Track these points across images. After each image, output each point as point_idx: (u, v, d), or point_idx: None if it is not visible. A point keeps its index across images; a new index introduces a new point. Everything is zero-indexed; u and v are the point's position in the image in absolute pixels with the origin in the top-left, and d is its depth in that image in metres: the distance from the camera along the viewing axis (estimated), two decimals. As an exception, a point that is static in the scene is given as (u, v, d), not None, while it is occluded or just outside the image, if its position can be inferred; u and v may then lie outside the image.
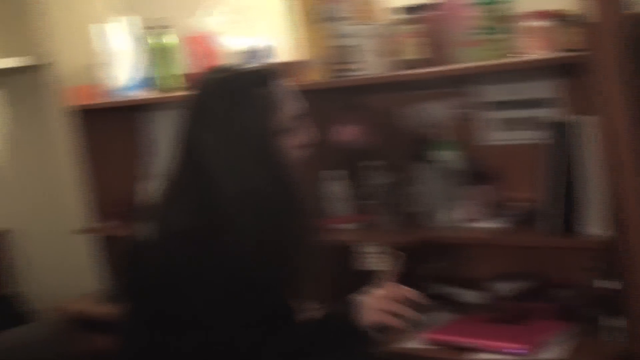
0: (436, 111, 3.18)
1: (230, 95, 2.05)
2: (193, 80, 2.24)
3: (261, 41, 3.41)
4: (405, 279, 3.21)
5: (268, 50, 3.39)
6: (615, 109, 2.41)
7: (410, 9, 2.97)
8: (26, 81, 4.55)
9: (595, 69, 2.48)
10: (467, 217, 3.03)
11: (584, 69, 2.55)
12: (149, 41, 3.78)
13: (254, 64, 2.22)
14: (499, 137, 3.11)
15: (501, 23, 2.79)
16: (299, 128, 2.12)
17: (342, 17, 3.09)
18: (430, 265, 3.23)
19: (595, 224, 2.66)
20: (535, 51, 2.71)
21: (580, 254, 2.82)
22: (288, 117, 2.08)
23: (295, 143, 2.11)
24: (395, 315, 2.08)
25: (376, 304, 2.09)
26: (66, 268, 4.60)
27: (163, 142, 4.13)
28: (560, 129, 2.73)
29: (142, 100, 3.90)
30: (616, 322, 2.64)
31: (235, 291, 2.00)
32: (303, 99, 2.14)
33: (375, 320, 2.08)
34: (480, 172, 3.08)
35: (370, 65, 3.03)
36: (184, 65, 3.74)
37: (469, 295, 3.12)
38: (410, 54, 2.97)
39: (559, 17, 2.67)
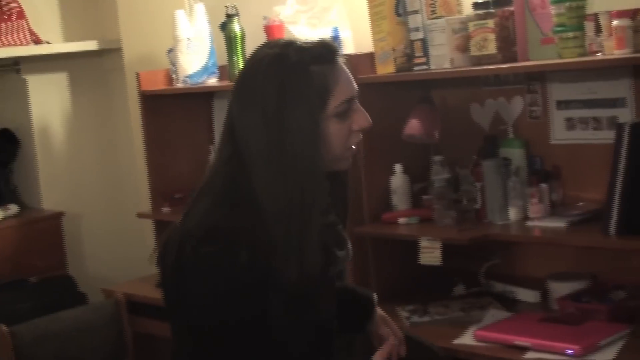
0: (504, 108, 3.17)
1: (286, 71, 1.87)
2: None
3: (332, 32, 3.43)
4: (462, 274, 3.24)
5: (338, 42, 3.41)
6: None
7: (483, 4, 2.97)
8: (94, 65, 4.63)
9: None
10: (528, 215, 3.01)
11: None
12: (220, 29, 3.81)
13: (312, 40, 1.95)
14: (568, 136, 3.09)
15: (577, 21, 2.78)
16: (352, 113, 1.94)
17: (414, 10, 3.10)
18: (488, 262, 3.22)
19: (659, 227, 2.64)
20: (610, 50, 2.70)
21: (641, 256, 2.81)
22: (342, 101, 1.91)
23: (347, 129, 1.93)
24: None
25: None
26: (121, 251, 4.65)
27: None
28: (630, 130, 2.71)
29: (210, 87, 3.95)
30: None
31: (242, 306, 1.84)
32: (355, 82, 1.97)
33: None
34: (545, 170, 3.07)
35: (441, 59, 3.03)
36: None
37: (524, 294, 3.10)
38: (483, 49, 2.96)
39: (637, 16, 2.65)
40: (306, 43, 1.93)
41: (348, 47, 3.43)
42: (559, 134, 3.10)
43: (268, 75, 1.87)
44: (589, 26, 2.76)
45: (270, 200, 1.84)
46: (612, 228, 2.73)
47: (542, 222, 2.97)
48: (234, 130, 1.91)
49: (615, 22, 2.68)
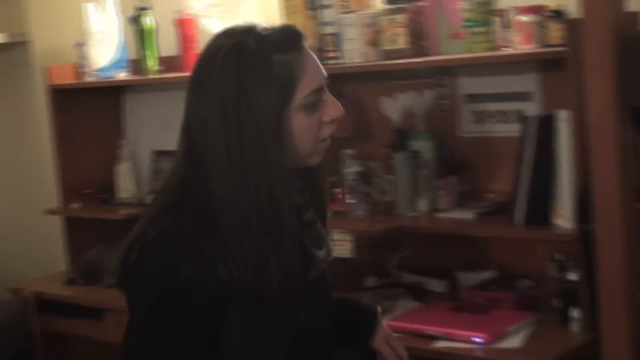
0: (414, 102, 3.22)
1: (245, 62, 1.69)
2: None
3: (245, 26, 3.43)
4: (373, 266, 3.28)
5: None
6: (594, 104, 2.45)
7: (394, 0, 3.02)
8: (2, 59, 4.54)
9: (575, 64, 2.54)
10: (438, 207, 3.08)
11: (564, 64, 2.61)
12: (131, 22, 3.79)
13: (274, 26, 1.77)
14: (476, 129, 3.15)
15: (487, 16, 2.85)
16: (322, 103, 1.75)
17: (326, 4, 3.13)
18: (399, 253, 3.26)
19: (564, 217, 2.71)
20: (517, 45, 2.77)
21: (548, 246, 2.87)
22: (310, 91, 1.72)
23: (317, 121, 1.74)
24: None
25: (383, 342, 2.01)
26: (28, 248, 4.58)
27: (140, 125, 4.15)
28: (536, 122, 2.79)
29: (121, 81, 3.91)
30: (577, 312, 2.68)
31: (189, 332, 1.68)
32: (323, 69, 1.78)
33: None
34: (454, 163, 3.13)
35: (353, 53, 3.07)
36: (163, 47, 3.77)
37: (435, 284, 3.15)
38: (394, 43, 3.01)
39: (543, 13, 2.73)
40: (267, 29, 1.74)
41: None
42: (468, 127, 3.17)
43: (225, 67, 1.70)
44: (497, 21, 2.84)
45: (233, 205, 1.67)
46: (519, 219, 2.81)
47: (451, 214, 3.04)
48: (190, 127, 1.75)
49: (521, 18, 2.75)
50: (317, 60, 1.76)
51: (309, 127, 1.73)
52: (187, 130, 1.75)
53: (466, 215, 2.99)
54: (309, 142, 1.74)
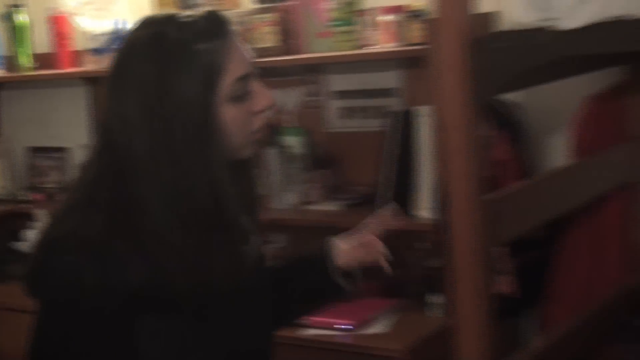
0: (283, 98, 3.31)
1: (164, 53, 1.59)
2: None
3: (119, 24, 3.46)
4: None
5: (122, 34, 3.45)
6: (448, 101, 2.56)
7: (265, -1, 3.11)
8: None
9: (433, 62, 2.65)
10: (306, 199, 3.18)
11: (425, 61, 2.73)
12: (4, 19, 3.78)
13: (197, 13, 1.66)
14: (344, 125, 3.27)
15: (352, 16, 2.96)
16: (250, 93, 1.64)
17: (198, 3, 3.20)
18: (271, 245, 3.34)
19: (424, 208, 2.84)
20: (382, 43, 2.89)
21: (411, 235, 2.99)
22: (236, 78, 1.62)
23: (246, 112, 1.64)
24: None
25: (352, 251, 1.96)
26: None
27: (15, 121, 4.14)
28: (399, 118, 2.91)
29: (-8, 79, 3.89)
30: (438, 298, 2.81)
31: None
32: (252, 54, 1.67)
33: (350, 263, 1.94)
34: (322, 157, 3.23)
35: (224, 51, 3.13)
36: (38, 44, 3.77)
37: (304, 275, 3.24)
38: (263, 42, 3.09)
39: (406, 12, 2.86)
40: (189, 17, 1.63)
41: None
42: (337, 123, 3.28)
43: (145, 60, 1.60)
44: (362, 21, 2.95)
45: (165, 205, 1.57)
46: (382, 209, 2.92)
47: (320, 206, 3.15)
48: (111, 123, 1.64)
49: (384, 18, 2.87)
50: (245, 47, 1.66)
51: (239, 118, 1.63)
52: (106, 128, 1.65)
53: (334, 207, 3.11)
54: (239, 135, 1.64)
